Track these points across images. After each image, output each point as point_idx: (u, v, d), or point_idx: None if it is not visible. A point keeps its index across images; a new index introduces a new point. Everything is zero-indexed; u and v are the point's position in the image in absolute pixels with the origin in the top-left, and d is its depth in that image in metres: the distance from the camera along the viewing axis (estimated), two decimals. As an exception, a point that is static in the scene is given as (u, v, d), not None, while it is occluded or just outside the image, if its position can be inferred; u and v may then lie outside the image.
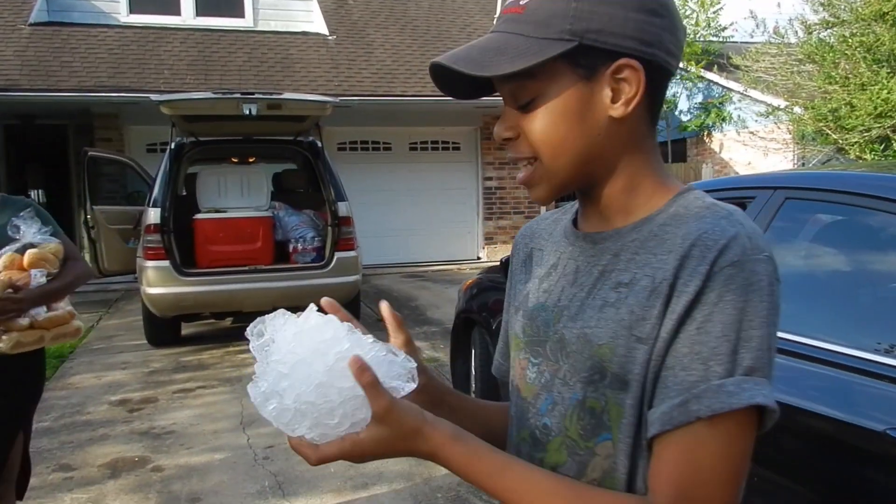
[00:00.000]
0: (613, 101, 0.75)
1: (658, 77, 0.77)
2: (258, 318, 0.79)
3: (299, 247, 6.54)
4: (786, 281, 2.22)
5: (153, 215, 5.86)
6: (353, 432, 0.72)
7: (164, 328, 6.35)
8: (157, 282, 5.80)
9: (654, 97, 0.78)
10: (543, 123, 0.76)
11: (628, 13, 0.73)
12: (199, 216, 6.31)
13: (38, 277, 2.28)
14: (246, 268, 6.07)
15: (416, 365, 0.77)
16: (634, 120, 0.77)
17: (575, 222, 0.88)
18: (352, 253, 6.26)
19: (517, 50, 0.74)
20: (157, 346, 6.33)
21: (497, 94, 0.82)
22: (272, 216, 6.59)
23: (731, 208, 0.76)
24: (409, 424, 0.72)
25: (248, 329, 0.78)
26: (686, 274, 0.72)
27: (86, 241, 6.96)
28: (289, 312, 0.78)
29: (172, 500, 3.27)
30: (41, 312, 2.35)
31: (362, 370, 0.70)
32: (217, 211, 6.44)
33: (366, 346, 0.75)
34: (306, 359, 0.73)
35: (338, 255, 6.19)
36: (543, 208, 7.31)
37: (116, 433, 4.19)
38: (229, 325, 7.34)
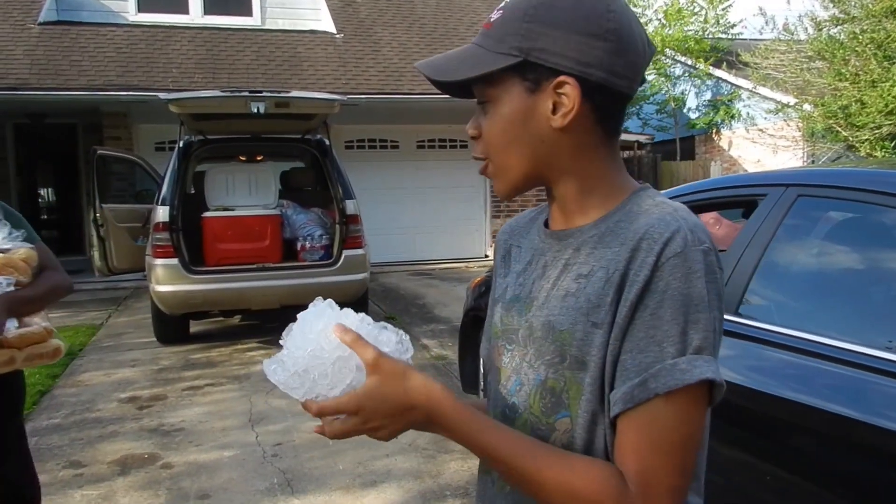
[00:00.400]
0: (553, 112, 0.84)
1: (603, 94, 0.84)
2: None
3: (307, 245, 6.54)
4: (798, 279, 2.20)
5: (162, 213, 5.88)
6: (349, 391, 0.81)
7: (172, 326, 6.37)
8: (166, 280, 5.81)
9: (605, 111, 0.87)
10: (493, 125, 0.87)
11: (570, 36, 0.82)
12: (207, 214, 6.32)
13: (2, 286, 1.93)
14: (254, 266, 6.08)
15: (408, 339, 0.86)
16: (580, 131, 0.86)
17: (546, 222, 0.97)
18: (360, 251, 6.26)
19: (475, 59, 0.86)
20: (166, 344, 6.36)
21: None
22: (280, 214, 6.59)
23: (676, 205, 0.85)
24: (398, 368, 0.79)
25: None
26: (636, 265, 0.80)
27: (95, 240, 6.98)
28: (324, 302, 0.88)
29: (182, 497, 3.28)
30: (11, 328, 1.99)
31: (345, 330, 0.80)
32: (225, 209, 6.45)
33: (358, 321, 0.84)
34: (303, 330, 0.85)
35: (346, 253, 6.19)
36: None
37: (126, 430, 4.21)
38: (238, 323, 7.36)
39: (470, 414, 0.80)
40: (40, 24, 10.56)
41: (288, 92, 6.51)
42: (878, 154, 8.90)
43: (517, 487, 0.84)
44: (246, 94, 6.01)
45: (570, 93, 0.83)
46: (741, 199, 2.61)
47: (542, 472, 0.78)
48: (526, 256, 0.97)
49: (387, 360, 0.79)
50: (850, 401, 1.74)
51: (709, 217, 8.51)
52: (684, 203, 2.82)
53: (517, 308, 0.93)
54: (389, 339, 0.84)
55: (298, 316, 0.88)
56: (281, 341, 0.87)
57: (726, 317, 2.12)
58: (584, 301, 0.83)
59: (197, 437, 4.06)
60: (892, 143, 9.01)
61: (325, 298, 0.90)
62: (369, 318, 0.86)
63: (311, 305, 0.89)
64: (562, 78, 0.83)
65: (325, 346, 0.81)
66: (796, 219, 2.25)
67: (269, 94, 6.01)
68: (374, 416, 0.80)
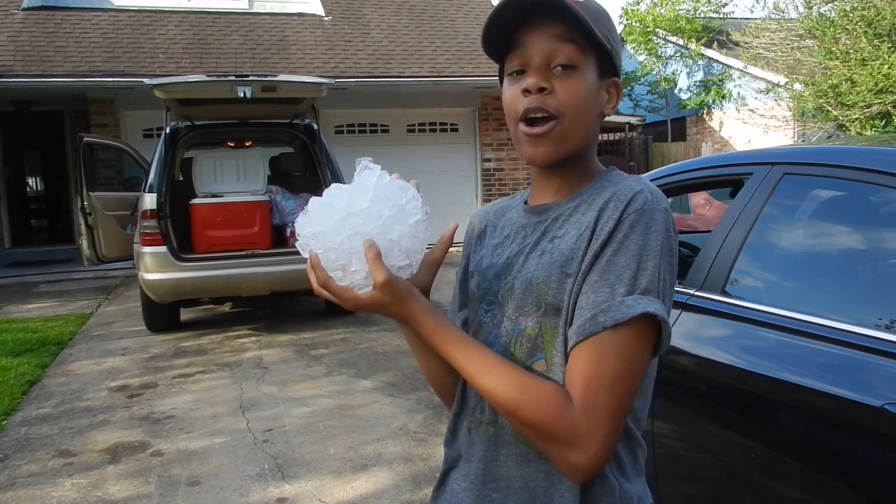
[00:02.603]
0: (608, 102, 1.00)
1: None
2: (361, 159, 0.95)
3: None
4: (784, 258, 2.20)
5: (149, 201, 5.83)
6: (355, 286, 0.90)
7: (162, 314, 6.35)
8: (155, 267, 5.78)
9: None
10: (577, 89, 0.94)
11: (620, 48, 1.03)
12: (195, 201, 6.28)
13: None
14: (244, 252, 6.05)
15: (420, 199, 0.96)
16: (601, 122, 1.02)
17: (526, 202, 1.07)
18: (349, 236, 6.22)
19: (590, 16, 0.93)
20: (156, 332, 6.34)
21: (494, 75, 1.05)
22: (269, 200, 6.55)
23: (640, 177, 0.98)
24: (399, 294, 0.89)
25: (357, 159, 0.96)
26: (602, 221, 0.91)
27: (83, 228, 6.93)
28: (373, 167, 0.95)
29: (172, 483, 3.28)
30: None
31: (370, 246, 0.87)
32: (214, 196, 6.41)
33: (397, 228, 0.91)
34: (346, 198, 0.92)
35: (336, 238, 6.15)
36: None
37: (116, 419, 4.20)
38: (228, 310, 7.34)
39: (443, 328, 0.91)
40: (24, 9, 10.42)
41: (275, 76, 6.44)
42: (869, 133, 8.91)
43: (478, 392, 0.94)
44: (232, 78, 5.96)
45: (617, 91, 1.01)
46: (727, 178, 2.59)
47: (496, 388, 0.87)
48: (503, 232, 1.07)
49: (393, 286, 0.88)
50: (836, 379, 1.74)
51: (700, 198, 8.55)
52: (672, 183, 2.81)
53: (493, 272, 1.03)
54: (398, 200, 0.92)
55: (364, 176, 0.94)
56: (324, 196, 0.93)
57: (712, 296, 2.13)
58: (558, 255, 0.94)
59: (187, 424, 4.06)
60: (883, 122, 9.01)
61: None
62: (388, 178, 0.95)
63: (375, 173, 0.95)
64: (616, 79, 1.01)
65: (340, 240, 0.89)
66: (782, 197, 2.24)
67: (255, 79, 5.95)
68: (362, 311, 0.92)
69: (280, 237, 6.52)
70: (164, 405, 4.40)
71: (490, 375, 0.88)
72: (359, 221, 0.89)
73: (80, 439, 3.87)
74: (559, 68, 0.94)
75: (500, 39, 0.97)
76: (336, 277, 0.90)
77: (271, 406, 4.30)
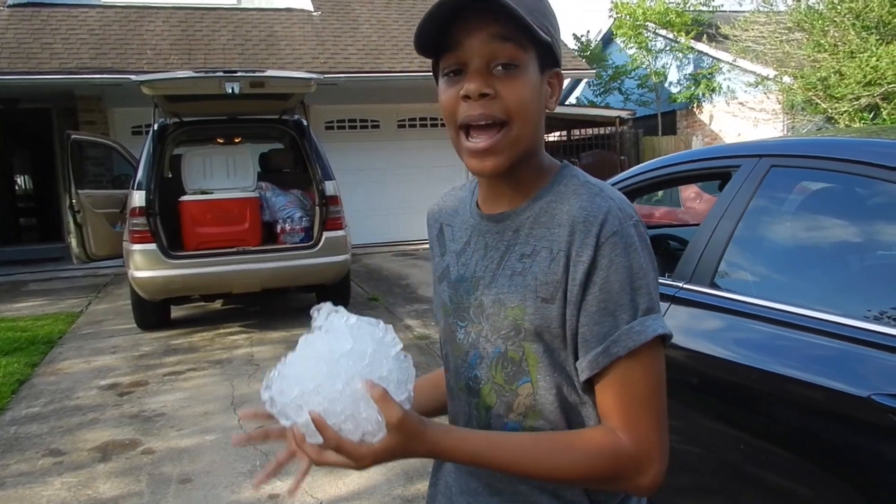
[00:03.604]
0: (550, 96, 0.95)
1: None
2: (321, 306, 0.89)
3: (287, 227, 6.49)
4: (772, 250, 2.20)
5: (138, 198, 5.80)
6: (367, 434, 0.83)
7: (153, 311, 6.32)
8: (145, 265, 5.75)
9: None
10: (521, 90, 0.89)
11: (559, 35, 0.98)
12: (184, 198, 6.25)
13: None
14: (234, 249, 6.02)
15: (393, 332, 0.89)
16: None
17: (476, 204, 1.03)
18: (340, 232, 6.22)
19: (527, 12, 0.88)
20: (146, 330, 6.31)
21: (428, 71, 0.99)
22: (259, 197, 6.52)
23: (601, 185, 0.94)
24: (414, 428, 0.83)
25: (313, 309, 0.89)
26: (577, 246, 0.89)
27: (72, 226, 6.88)
28: (338, 309, 0.89)
29: (163, 481, 3.26)
30: None
31: (373, 386, 0.82)
32: (203, 192, 6.37)
33: (350, 325, 0.87)
34: (311, 355, 0.86)
35: (326, 234, 6.15)
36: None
37: (106, 417, 4.18)
38: (219, 308, 7.31)
39: (466, 442, 0.88)
40: (10, 6, 10.33)
41: (263, 71, 6.41)
42: (857, 126, 8.95)
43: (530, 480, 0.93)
44: (220, 74, 5.91)
45: (558, 84, 0.97)
46: (715, 170, 2.60)
47: (552, 474, 0.87)
48: (461, 236, 1.04)
49: (406, 421, 0.82)
50: (825, 370, 1.75)
51: (690, 191, 8.55)
52: (661, 176, 2.81)
53: (464, 287, 1.00)
54: (374, 335, 0.86)
55: (302, 339, 0.88)
56: (280, 365, 0.88)
57: (700, 288, 2.13)
58: (532, 279, 0.92)
59: (178, 422, 4.04)
60: (871, 115, 9.05)
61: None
62: (355, 318, 0.88)
63: (314, 314, 0.89)
64: (558, 70, 0.96)
65: (342, 387, 0.82)
66: (770, 189, 2.24)
67: (243, 74, 5.92)
68: (374, 464, 0.85)
69: (270, 234, 6.50)
70: (154, 403, 4.38)
71: (538, 464, 0.87)
72: (349, 363, 0.83)
73: (70, 438, 3.85)
74: (500, 68, 0.88)
75: (434, 36, 0.90)
76: (346, 431, 0.82)
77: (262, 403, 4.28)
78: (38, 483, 3.29)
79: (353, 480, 3.19)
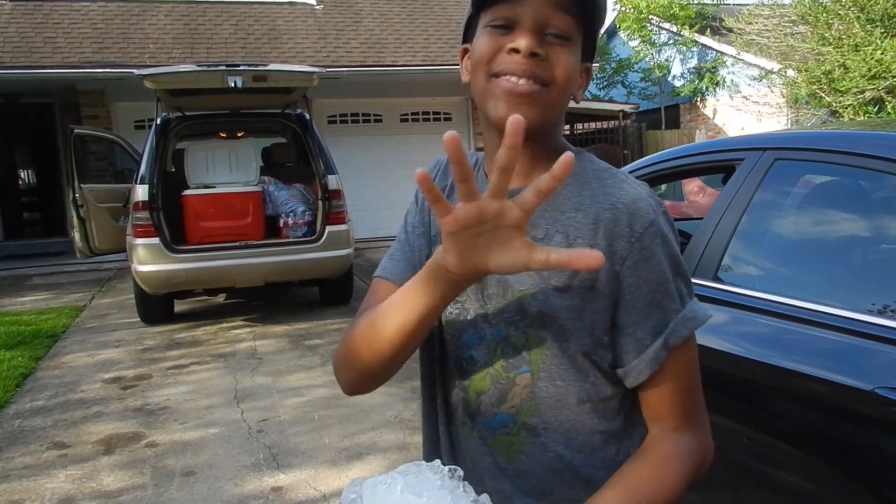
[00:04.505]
0: (579, 88, 0.91)
1: None
2: (352, 485, 0.76)
3: (290, 221, 6.50)
4: (776, 244, 2.19)
5: (141, 192, 5.80)
6: None
7: (156, 306, 6.33)
8: (148, 259, 5.76)
9: None
10: (569, 61, 0.85)
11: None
12: (187, 192, 6.25)
13: None
14: (237, 243, 6.03)
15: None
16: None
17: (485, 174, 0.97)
18: (343, 226, 6.22)
19: None
20: (150, 324, 6.32)
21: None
22: (262, 191, 6.53)
23: (623, 173, 0.90)
24: None
25: (343, 498, 0.76)
26: (606, 236, 0.84)
27: (75, 220, 6.89)
28: (369, 481, 0.76)
29: (167, 474, 3.27)
30: None
31: None
32: (206, 187, 6.38)
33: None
34: None
35: (329, 228, 6.15)
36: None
37: (110, 410, 4.19)
38: (222, 302, 7.32)
39: None
40: (12, 0, 10.31)
41: (266, 65, 6.40)
42: (862, 119, 8.91)
43: None
44: (223, 68, 5.91)
45: (588, 78, 0.93)
46: (719, 164, 2.59)
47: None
48: None
49: None
50: (828, 363, 1.74)
51: (693, 185, 8.54)
52: (664, 170, 2.81)
53: None
54: (430, 485, 0.74)
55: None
56: None
57: (704, 282, 2.12)
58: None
59: (182, 415, 4.05)
60: (876, 108, 9.02)
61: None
62: (396, 480, 0.75)
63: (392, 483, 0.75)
64: (590, 65, 0.93)
65: None
66: (774, 183, 2.23)
67: (245, 68, 5.91)
68: None
69: (273, 227, 6.50)
70: (158, 396, 4.39)
71: None
72: None
73: (74, 431, 3.86)
74: (553, 36, 0.84)
75: None
76: None
77: (266, 396, 4.30)
78: (43, 475, 3.31)
79: (356, 473, 3.20)
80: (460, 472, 0.75)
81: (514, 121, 0.66)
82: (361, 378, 0.91)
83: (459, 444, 0.95)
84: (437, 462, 0.76)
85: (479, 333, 0.91)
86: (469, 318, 0.92)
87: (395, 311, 0.82)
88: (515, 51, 0.83)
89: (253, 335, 5.88)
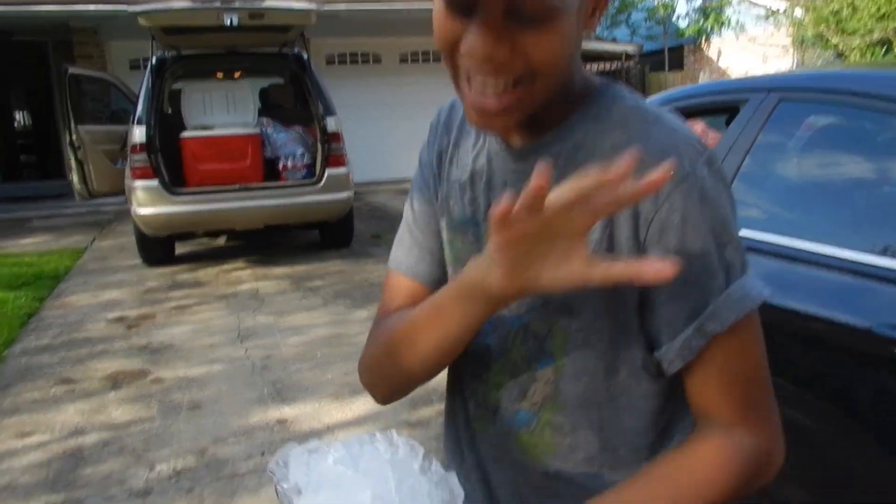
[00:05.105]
0: (592, 16, 0.69)
1: None
2: (281, 453, 0.65)
3: (289, 164, 6.47)
4: (779, 185, 2.18)
5: (138, 134, 5.75)
6: None
7: (157, 247, 6.36)
8: (147, 202, 5.76)
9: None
10: (555, 39, 0.63)
11: None
12: (185, 134, 6.20)
13: None
14: (236, 186, 6.01)
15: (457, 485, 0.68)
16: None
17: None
18: (342, 169, 6.19)
19: None
20: (151, 266, 6.35)
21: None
22: (260, 133, 6.47)
23: (657, 112, 0.71)
24: None
25: (270, 464, 0.65)
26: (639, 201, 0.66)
27: (73, 163, 6.85)
28: (311, 447, 0.64)
29: (173, 408, 3.35)
30: None
31: None
32: (204, 128, 6.32)
33: (421, 489, 0.62)
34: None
35: (328, 171, 6.12)
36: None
37: (115, 348, 4.26)
38: (223, 244, 7.35)
39: None
40: (-2, -66, 9.98)
41: (262, 2, 6.26)
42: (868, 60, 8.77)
43: None
44: (218, 4, 5.77)
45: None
46: (723, 105, 2.57)
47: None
48: (466, 163, 0.80)
49: None
50: (831, 303, 1.77)
51: (696, 127, 8.42)
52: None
53: (473, 232, 0.79)
54: (377, 457, 0.62)
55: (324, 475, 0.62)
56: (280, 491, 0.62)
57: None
58: None
59: (186, 353, 4.12)
60: (884, 50, 8.86)
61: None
62: (334, 448, 0.63)
63: (272, 471, 0.64)
64: None
65: None
66: (778, 124, 2.22)
67: (241, 5, 5.77)
68: None
69: (272, 171, 6.47)
70: (162, 335, 4.46)
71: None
72: None
73: (80, 368, 3.94)
74: (526, 19, 0.61)
75: None
76: None
77: (268, 335, 4.37)
78: (52, 409, 3.39)
79: (359, 406, 3.28)
80: (420, 448, 0.63)
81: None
82: (399, 390, 0.83)
83: (479, 439, 0.84)
84: (397, 435, 0.65)
85: (496, 320, 0.77)
86: None
87: (425, 332, 0.75)
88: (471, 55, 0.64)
89: (254, 277, 5.92)
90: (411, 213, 0.87)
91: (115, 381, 3.72)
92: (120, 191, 6.68)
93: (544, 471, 0.78)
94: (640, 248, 0.68)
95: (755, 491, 0.72)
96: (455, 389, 0.87)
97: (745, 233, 2.01)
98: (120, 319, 4.84)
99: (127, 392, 3.58)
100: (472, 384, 0.83)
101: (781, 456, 0.73)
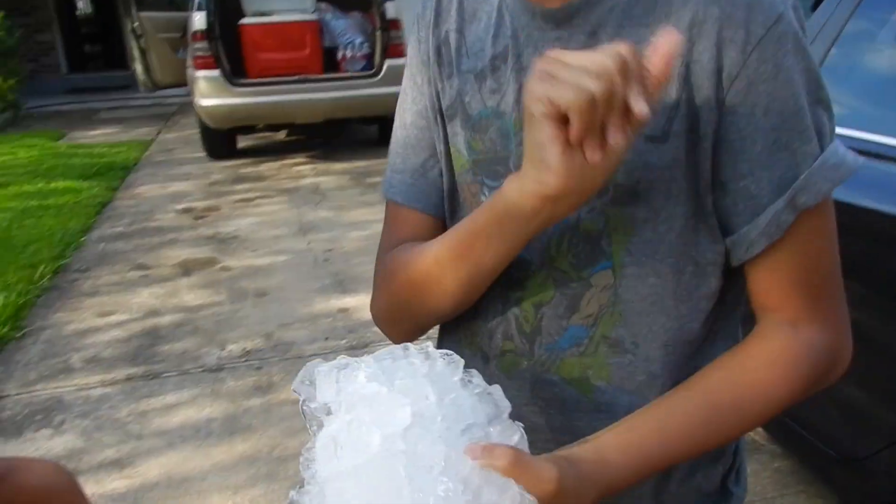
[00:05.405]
0: None
1: None
2: (305, 371, 0.57)
3: (348, 54, 6.35)
4: (868, 78, 2.04)
5: (199, 20, 5.71)
6: None
7: (220, 141, 6.46)
8: (210, 93, 5.79)
9: None
10: None
11: None
12: (244, 21, 6.11)
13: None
14: (296, 77, 5.97)
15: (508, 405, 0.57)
16: None
17: None
18: (403, 60, 6.03)
19: None
20: (215, 159, 6.48)
21: None
22: (319, 20, 6.33)
23: None
24: (574, 485, 0.54)
25: (294, 384, 0.57)
26: (708, 45, 0.57)
27: (136, 52, 6.90)
28: (342, 364, 0.56)
29: (241, 294, 3.51)
30: None
31: (489, 451, 0.51)
32: (262, 14, 6.20)
33: (463, 402, 0.54)
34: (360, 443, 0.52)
35: (388, 62, 6.00)
36: None
37: (185, 238, 4.43)
38: (284, 139, 7.41)
39: (633, 452, 0.59)
40: None
41: None
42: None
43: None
44: None
45: None
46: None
47: (745, 421, 0.64)
48: (484, 47, 0.68)
49: (564, 478, 0.53)
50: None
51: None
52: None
53: (497, 127, 0.67)
54: (414, 372, 0.55)
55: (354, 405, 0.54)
56: (306, 411, 0.56)
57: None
58: None
59: (251, 244, 4.26)
60: None
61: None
62: (367, 365, 0.55)
63: (299, 391, 0.56)
64: None
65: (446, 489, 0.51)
66: (869, 9, 2.05)
67: None
68: None
69: (331, 61, 6.37)
70: (228, 227, 4.60)
71: (726, 428, 0.63)
72: (427, 441, 0.51)
73: (153, 255, 4.12)
74: None
75: None
76: None
77: (329, 229, 4.46)
78: (129, 292, 3.59)
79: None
80: (459, 360, 0.56)
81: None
82: (424, 328, 0.74)
83: (503, 382, 0.65)
84: (433, 348, 0.57)
85: None
86: None
87: (454, 268, 0.64)
88: None
89: (315, 171, 5.99)
90: (402, 129, 0.75)
91: (185, 268, 3.90)
92: (182, 82, 6.74)
93: (593, 406, 0.67)
94: (721, 109, 0.58)
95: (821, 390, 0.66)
96: (465, 326, 0.73)
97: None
98: (188, 210, 5.01)
99: (197, 279, 3.75)
100: (496, 311, 0.70)
101: (850, 353, 0.66)
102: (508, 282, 0.67)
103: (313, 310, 3.30)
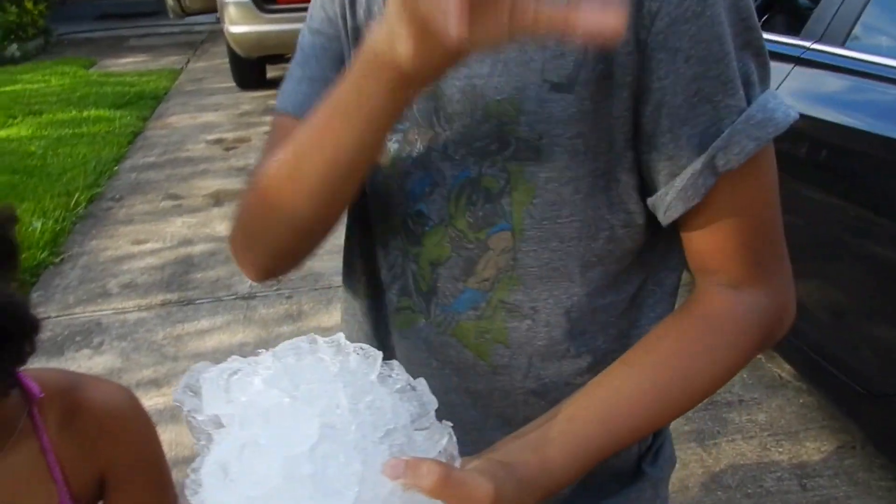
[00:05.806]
0: None
1: None
2: (189, 376, 0.48)
3: (379, -18, 6.18)
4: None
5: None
6: None
7: (250, 70, 6.39)
8: (240, 19, 5.71)
9: None
10: None
11: None
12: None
13: None
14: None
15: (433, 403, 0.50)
16: None
17: None
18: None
19: None
20: (245, 89, 6.44)
21: None
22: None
23: None
24: (513, 491, 0.49)
25: (175, 393, 0.48)
26: None
27: (165, -22, 6.80)
28: (239, 364, 0.48)
29: (271, 227, 3.54)
30: None
31: (406, 466, 0.44)
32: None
33: (384, 405, 0.47)
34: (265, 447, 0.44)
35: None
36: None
37: (216, 168, 4.45)
38: (313, 68, 7.32)
39: (573, 449, 0.54)
40: None
41: None
42: None
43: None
44: None
45: None
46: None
47: (692, 393, 0.58)
48: None
49: (503, 488, 0.48)
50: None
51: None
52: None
53: None
54: (322, 372, 0.47)
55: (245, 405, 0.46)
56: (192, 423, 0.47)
57: (831, 49, 1.94)
58: (536, 50, 0.54)
59: (281, 175, 4.27)
60: None
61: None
62: (263, 359, 0.48)
63: (180, 399, 0.48)
64: None
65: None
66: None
67: None
68: None
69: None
70: (258, 158, 4.60)
71: (671, 404, 0.58)
72: (339, 459, 0.43)
73: (185, 185, 4.16)
74: None
75: None
76: None
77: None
78: (162, 221, 3.65)
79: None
80: (376, 353, 0.49)
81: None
82: (276, 252, 0.63)
83: (400, 339, 0.68)
84: (345, 339, 0.49)
85: (431, 176, 0.61)
86: (416, 153, 0.61)
87: (315, 150, 0.54)
88: None
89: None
90: (301, 51, 0.68)
91: (216, 199, 3.93)
92: (212, 8, 6.63)
93: (491, 369, 0.63)
94: (642, 54, 0.52)
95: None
96: (363, 274, 0.70)
97: (872, 59, 1.82)
98: (218, 141, 5.02)
99: (229, 209, 3.78)
100: (396, 265, 0.66)
101: (794, 310, 0.61)
102: (409, 235, 0.64)
103: (341, 242, 3.32)
